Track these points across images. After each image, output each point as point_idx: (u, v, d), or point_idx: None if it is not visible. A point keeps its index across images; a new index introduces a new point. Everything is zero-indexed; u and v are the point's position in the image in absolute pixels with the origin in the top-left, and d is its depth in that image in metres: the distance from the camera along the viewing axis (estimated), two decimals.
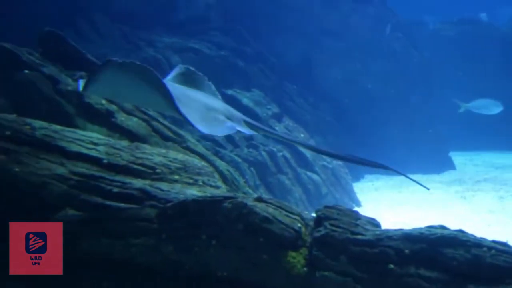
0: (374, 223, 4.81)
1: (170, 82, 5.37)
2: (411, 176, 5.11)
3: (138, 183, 5.43)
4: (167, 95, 4.27)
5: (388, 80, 15.75)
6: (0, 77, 5.84)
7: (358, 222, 4.72)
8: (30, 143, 5.27)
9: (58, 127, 5.59)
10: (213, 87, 5.76)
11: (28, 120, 5.43)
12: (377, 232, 4.57)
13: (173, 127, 7.11)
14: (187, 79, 5.66)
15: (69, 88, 6.26)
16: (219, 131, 5.02)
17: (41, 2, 10.89)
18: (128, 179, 5.43)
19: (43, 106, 5.86)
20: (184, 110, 4.45)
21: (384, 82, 15.69)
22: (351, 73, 15.42)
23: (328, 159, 11.90)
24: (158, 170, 5.67)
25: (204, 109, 4.99)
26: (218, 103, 5.33)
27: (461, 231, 4.49)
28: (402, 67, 16.18)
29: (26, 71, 6.00)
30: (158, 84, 4.24)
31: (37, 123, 5.47)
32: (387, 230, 4.64)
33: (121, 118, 6.49)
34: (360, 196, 12.50)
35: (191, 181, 5.83)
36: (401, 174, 4.97)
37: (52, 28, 6.71)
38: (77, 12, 11.97)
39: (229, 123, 5.05)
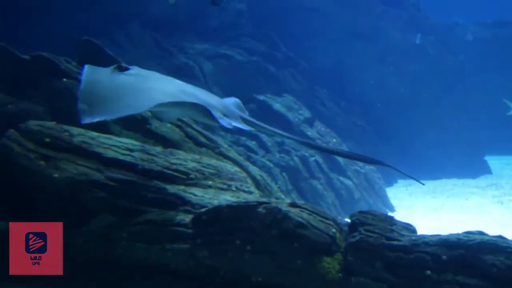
0: (410, 229, 4.75)
1: (171, 78, 5.68)
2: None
3: (172, 188, 5.49)
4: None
5: (421, 84, 15.55)
6: (39, 85, 6.00)
7: (393, 227, 4.67)
8: (68, 149, 5.39)
9: (95, 133, 5.70)
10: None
11: (66, 127, 5.56)
12: (413, 238, 4.51)
13: (206, 133, 7.16)
14: None
15: None
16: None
17: (77, 12, 11.15)
18: (162, 185, 5.50)
19: None
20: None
21: (417, 85, 15.50)
22: (383, 77, 15.27)
23: (361, 164, 11.80)
24: (192, 176, 5.73)
25: None
26: (216, 101, 5.55)
27: (500, 237, 4.39)
28: (435, 70, 15.94)
29: (64, 79, 6.14)
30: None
31: (75, 130, 5.58)
32: (423, 236, 4.58)
33: (156, 124, 6.58)
34: (394, 201, 12.35)
35: (224, 186, 5.87)
36: (394, 169, 5.03)
37: (89, 37, 6.87)
38: (111, 20, 12.20)
39: (226, 119, 5.28)
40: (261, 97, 11.72)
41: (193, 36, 12.86)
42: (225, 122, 5.23)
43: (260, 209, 4.76)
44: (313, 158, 10.81)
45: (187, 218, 5.07)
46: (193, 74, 11.59)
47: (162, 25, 12.55)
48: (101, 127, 6.02)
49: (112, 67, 5.11)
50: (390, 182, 13.90)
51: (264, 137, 10.71)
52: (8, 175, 5.22)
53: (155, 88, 5.01)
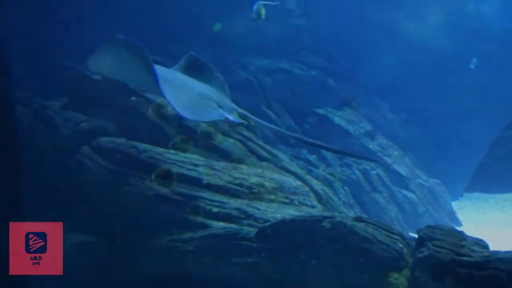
0: (482, 244, 4.59)
1: (171, 69, 5.95)
2: None
3: (236, 202, 5.58)
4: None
5: (486, 94, 15.01)
6: (110, 103, 6.27)
7: (463, 242, 4.53)
8: (137, 165, 5.58)
9: (161, 149, 5.89)
10: (221, 78, 6.35)
11: (135, 143, 5.78)
12: (486, 254, 4.35)
13: (268, 147, 7.24)
14: (195, 69, 6.23)
15: (170, 112, 6.57)
16: (207, 117, 5.43)
17: (138, 30, 11.53)
18: (226, 199, 5.60)
19: (147, 129, 6.20)
20: (172, 93, 5.02)
21: (482, 96, 14.97)
22: (445, 88, 14.86)
23: (424, 177, 11.51)
24: (255, 190, 5.80)
25: (197, 96, 5.44)
26: (212, 93, 5.72)
27: None
28: (501, 81, 15.34)
29: (133, 98, 6.39)
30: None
31: (143, 146, 5.80)
32: (497, 252, 4.41)
33: (219, 139, 6.71)
34: (460, 215, 11.91)
35: (287, 200, 5.90)
36: (374, 161, 4.98)
37: (155, 56, 7.11)
38: (171, 37, 12.54)
39: (219, 111, 5.42)
40: (321, 111, 11.65)
41: (252, 51, 12.98)
42: (218, 114, 5.38)
43: (325, 224, 4.75)
44: (374, 172, 10.63)
45: (252, 232, 5.12)
46: (252, 89, 11.69)
47: (221, 41, 12.78)
48: (167, 143, 6.21)
49: None
50: (456, 196, 13.44)
51: (324, 151, 10.64)
52: (82, 190, 5.47)
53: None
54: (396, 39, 14.75)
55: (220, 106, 5.53)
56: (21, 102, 6.06)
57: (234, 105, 5.74)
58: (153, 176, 4.75)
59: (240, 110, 5.70)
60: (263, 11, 7.80)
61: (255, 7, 7.95)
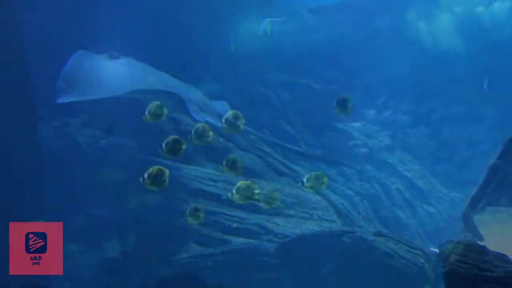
0: (505, 259, 4.50)
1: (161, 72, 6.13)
2: None
3: (255, 218, 5.60)
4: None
5: (493, 96, 14.80)
6: (130, 121, 6.33)
7: (486, 257, 4.45)
8: None
9: (181, 165, 5.93)
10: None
11: (155, 160, 5.82)
12: (509, 269, 4.27)
13: (287, 162, 7.25)
14: None
15: (189, 127, 6.62)
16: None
17: (159, 45, 11.66)
18: (245, 214, 5.61)
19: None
20: None
21: (489, 98, 14.78)
22: (469, 102, 14.70)
23: (445, 191, 11.37)
24: (274, 205, 5.79)
25: None
26: (197, 97, 5.95)
27: None
28: (508, 83, 15.11)
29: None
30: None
31: (162, 162, 5.83)
32: None
33: (237, 154, 6.71)
34: (482, 229, 11.71)
35: (306, 215, 5.90)
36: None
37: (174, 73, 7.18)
38: (192, 55, 12.67)
39: (200, 114, 5.69)
40: (339, 125, 11.62)
41: (271, 67, 13.07)
42: (199, 116, 5.61)
43: (345, 238, 4.75)
44: (394, 186, 10.55)
45: (271, 247, 5.13)
46: (271, 104, 11.71)
47: (240, 57, 12.88)
48: (187, 158, 6.25)
49: (105, 54, 5.60)
50: (477, 209, 13.25)
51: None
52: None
53: (135, 77, 5.55)
54: (415, 51, 14.71)
55: (201, 110, 5.72)
56: (43, 119, 6.16)
57: (219, 111, 5.88)
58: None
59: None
60: (268, 28, 8.01)
61: (263, 25, 8.15)
